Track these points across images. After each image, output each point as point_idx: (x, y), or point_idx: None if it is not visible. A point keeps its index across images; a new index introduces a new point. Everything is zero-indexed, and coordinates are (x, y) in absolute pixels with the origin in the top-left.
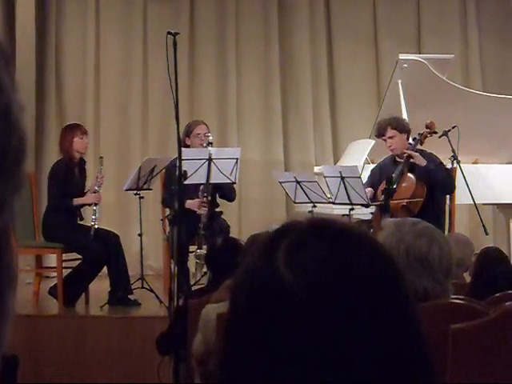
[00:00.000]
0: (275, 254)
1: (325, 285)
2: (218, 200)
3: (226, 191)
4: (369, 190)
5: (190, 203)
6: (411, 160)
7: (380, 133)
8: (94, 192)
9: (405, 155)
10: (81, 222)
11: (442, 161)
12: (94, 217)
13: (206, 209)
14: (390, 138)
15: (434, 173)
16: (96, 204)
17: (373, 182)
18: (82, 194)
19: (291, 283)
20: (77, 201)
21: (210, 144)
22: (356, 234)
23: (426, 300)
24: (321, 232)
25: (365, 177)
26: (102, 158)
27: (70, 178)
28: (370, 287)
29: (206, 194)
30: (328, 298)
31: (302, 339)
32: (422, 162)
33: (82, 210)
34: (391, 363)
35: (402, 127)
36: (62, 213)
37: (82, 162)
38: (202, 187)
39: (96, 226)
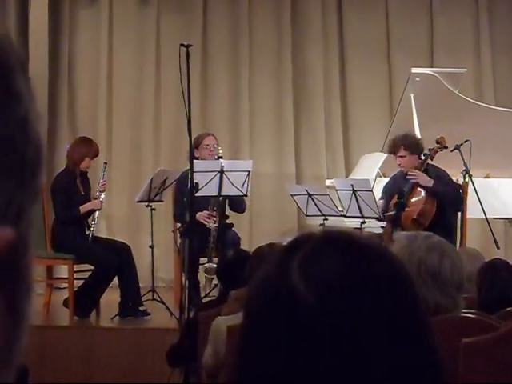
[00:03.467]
0: (289, 265)
1: (339, 297)
2: (228, 212)
3: (236, 203)
4: (380, 201)
5: (199, 214)
6: (417, 181)
7: (392, 150)
8: (96, 198)
9: (413, 173)
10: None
11: (454, 175)
12: (93, 222)
13: (215, 222)
14: (400, 157)
15: (439, 193)
16: (96, 210)
17: (387, 195)
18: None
19: (305, 295)
20: (83, 208)
21: (219, 158)
22: (370, 247)
23: (436, 314)
24: (335, 244)
25: (376, 190)
26: (106, 163)
27: (73, 188)
28: (384, 300)
29: (215, 208)
30: (342, 311)
31: (317, 351)
32: (427, 183)
33: (89, 219)
34: (404, 376)
35: (414, 149)
36: (71, 224)
37: (84, 173)
38: (211, 200)
39: (94, 232)
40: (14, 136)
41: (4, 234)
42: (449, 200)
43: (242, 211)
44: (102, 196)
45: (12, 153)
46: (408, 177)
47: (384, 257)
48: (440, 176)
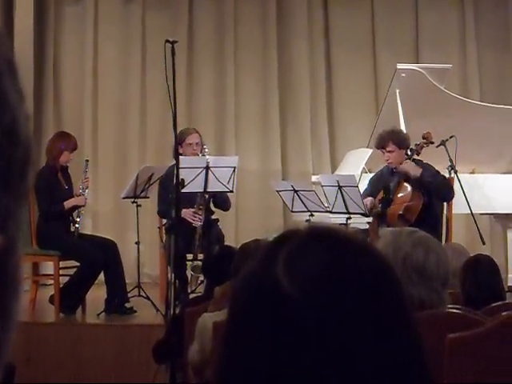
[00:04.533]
0: (274, 261)
1: (323, 292)
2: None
3: (220, 200)
4: (369, 199)
5: (184, 212)
6: (405, 169)
7: (380, 145)
8: (79, 195)
9: (402, 164)
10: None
11: (440, 170)
12: (78, 219)
13: (201, 220)
14: (388, 151)
15: (428, 182)
16: (81, 207)
17: (372, 191)
18: (71, 198)
19: (290, 290)
20: (67, 203)
21: (205, 155)
22: (355, 242)
23: (422, 310)
24: (320, 240)
25: (362, 186)
26: (87, 160)
27: (55, 183)
28: (369, 295)
29: (201, 207)
30: (326, 306)
31: (301, 346)
32: (416, 171)
33: (73, 215)
34: (389, 371)
35: (402, 143)
36: (55, 220)
37: (64, 167)
38: (197, 199)
39: (79, 229)
40: (1, 144)
41: None
42: (439, 187)
43: (227, 209)
44: (86, 192)
45: None
46: (398, 169)
47: (369, 252)
48: (428, 170)
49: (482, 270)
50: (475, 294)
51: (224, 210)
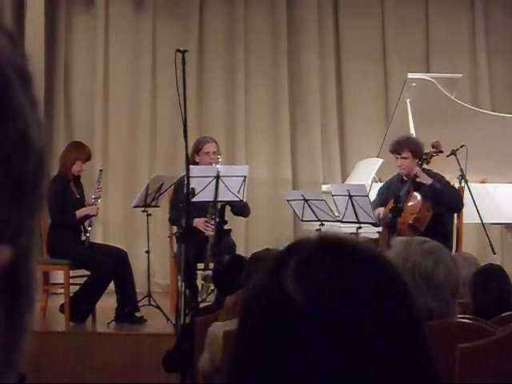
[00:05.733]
0: (284, 270)
1: (332, 302)
2: (227, 217)
3: (238, 207)
4: (381, 209)
5: (196, 221)
6: (417, 179)
7: (396, 150)
8: (91, 204)
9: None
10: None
11: (450, 180)
12: (89, 228)
13: (213, 230)
14: (403, 158)
15: (439, 192)
16: (92, 216)
17: (381, 200)
18: (83, 207)
19: (299, 300)
20: (79, 213)
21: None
22: (365, 252)
23: (430, 319)
24: (330, 249)
25: (372, 195)
26: (101, 170)
27: (67, 193)
28: (379, 305)
29: (213, 216)
30: (336, 316)
31: (310, 356)
32: (427, 180)
33: (85, 224)
34: (398, 381)
35: (417, 152)
36: (66, 229)
37: (77, 177)
38: (210, 209)
39: (90, 238)
40: (11, 156)
41: (1, 254)
42: (448, 198)
43: (247, 215)
44: (98, 202)
45: (8, 174)
46: (411, 174)
47: (378, 262)
48: (438, 179)
49: (492, 279)
50: (486, 303)
51: (244, 217)
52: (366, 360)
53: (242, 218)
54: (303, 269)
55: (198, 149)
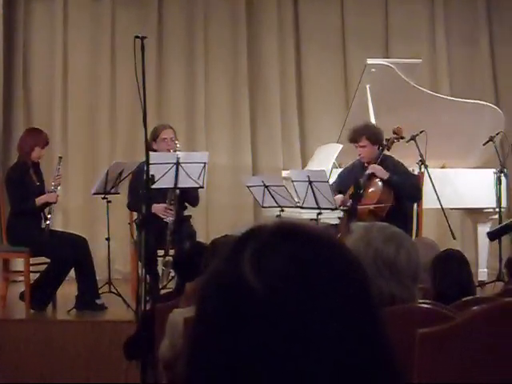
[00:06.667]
0: (241, 256)
1: (289, 287)
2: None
3: (190, 196)
4: (339, 196)
5: (156, 207)
6: (372, 171)
7: (353, 139)
8: (51, 192)
9: (369, 167)
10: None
11: (410, 166)
12: (49, 216)
13: (172, 216)
14: (361, 146)
15: (397, 184)
16: (52, 203)
17: (342, 184)
18: (43, 194)
19: (256, 285)
20: (39, 200)
21: (177, 151)
22: (321, 237)
23: (392, 305)
24: (286, 235)
25: (332, 181)
26: (61, 157)
27: (27, 180)
28: (335, 290)
29: (173, 202)
30: (292, 301)
31: (266, 341)
32: (383, 175)
33: (45, 211)
34: (354, 367)
35: (375, 139)
36: (26, 217)
37: (36, 164)
38: (169, 195)
39: (50, 225)
40: None
41: None
42: (406, 192)
43: (195, 205)
44: (58, 188)
45: None
46: (368, 171)
47: (334, 247)
48: (397, 167)
49: (452, 264)
50: (446, 288)
51: (193, 206)
52: (322, 346)
53: (202, 204)
54: (260, 254)
55: (155, 136)
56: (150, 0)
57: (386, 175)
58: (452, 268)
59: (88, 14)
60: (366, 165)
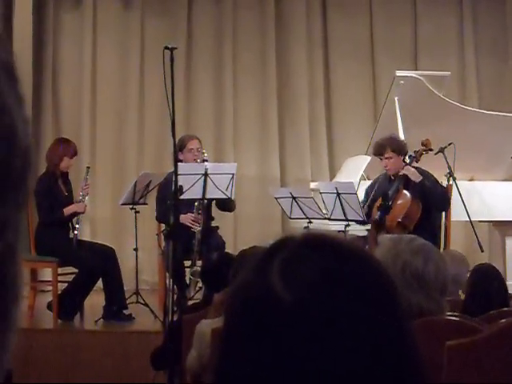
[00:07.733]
0: (269, 267)
1: (318, 299)
2: (214, 214)
3: (223, 202)
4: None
5: (183, 217)
6: (406, 173)
7: (378, 152)
8: (79, 202)
9: (400, 173)
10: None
11: (438, 178)
12: (77, 225)
13: (199, 225)
14: (387, 158)
15: (428, 189)
16: (80, 213)
17: (368, 197)
18: (71, 205)
19: (284, 297)
20: (67, 210)
21: (205, 161)
22: (350, 249)
23: (420, 317)
24: (315, 246)
25: (360, 193)
26: (88, 167)
27: (55, 190)
28: (364, 301)
29: (200, 211)
30: (321, 312)
31: (295, 353)
32: (416, 177)
33: (73, 221)
34: (384, 378)
35: (400, 150)
36: (54, 227)
37: (65, 174)
38: (196, 204)
39: (78, 235)
40: None
41: None
42: (436, 199)
43: (232, 210)
44: (86, 198)
45: None
46: (402, 172)
47: (364, 259)
48: (427, 177)
49: (491, 283)
50: (480, 304)
51: (229, 211)
52: (352, 357)
53: (230, 215)
54: (288, 265)
55: (181, 146)
56: (180, 10)
57: (419, 178)
58: (489, 284)
59: (117, 24)
60: (392, 178)
